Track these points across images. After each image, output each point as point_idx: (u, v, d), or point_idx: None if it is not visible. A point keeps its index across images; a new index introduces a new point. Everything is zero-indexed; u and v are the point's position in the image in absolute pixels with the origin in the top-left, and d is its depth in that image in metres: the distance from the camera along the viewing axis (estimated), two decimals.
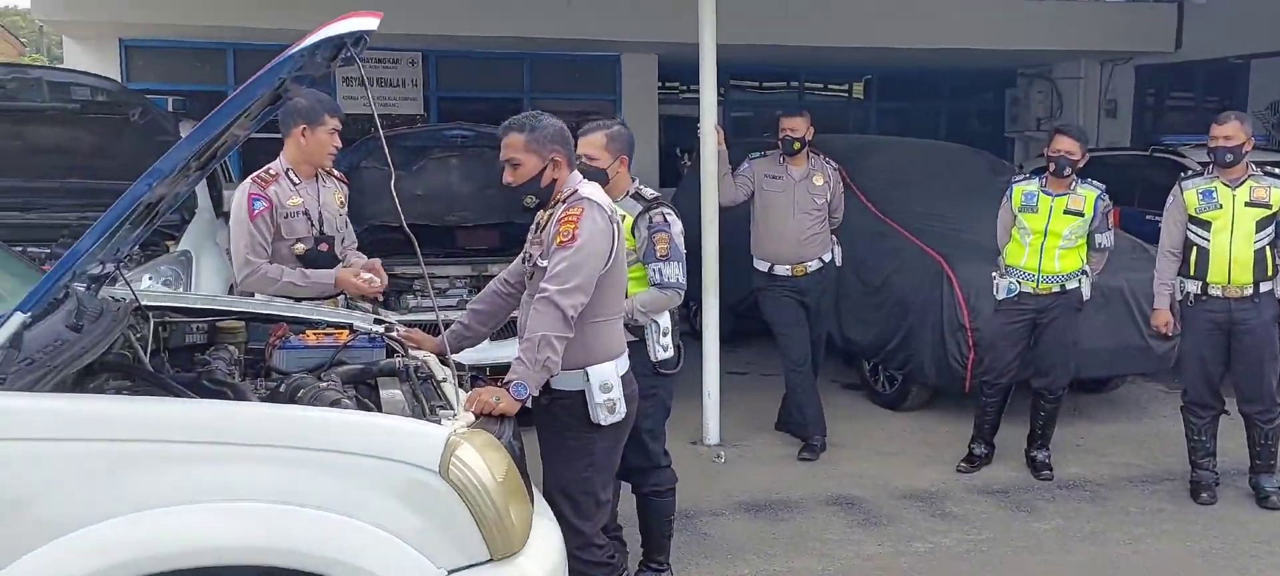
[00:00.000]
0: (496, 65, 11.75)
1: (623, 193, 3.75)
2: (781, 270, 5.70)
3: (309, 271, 4.02)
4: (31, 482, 2.13)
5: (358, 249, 4.41)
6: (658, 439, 3.92)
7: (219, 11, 9.36)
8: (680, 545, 4.25)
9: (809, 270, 5.71)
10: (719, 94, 5.94)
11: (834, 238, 5.84)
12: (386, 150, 3.14)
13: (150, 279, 5.28)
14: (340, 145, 4.12)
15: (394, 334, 3.48)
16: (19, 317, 2.20)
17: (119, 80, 8.83)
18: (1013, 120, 14.05)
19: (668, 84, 12.70)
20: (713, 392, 5.84)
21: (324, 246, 4.11)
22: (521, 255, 3.34)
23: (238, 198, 4.02)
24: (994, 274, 5.39)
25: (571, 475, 3.21)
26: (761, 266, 5.78)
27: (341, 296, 4.16)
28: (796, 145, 5.66)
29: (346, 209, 4.35)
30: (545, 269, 3.04)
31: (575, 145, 3.40)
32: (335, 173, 4.34)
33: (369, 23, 2.51)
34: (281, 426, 2.34)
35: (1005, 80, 14.15)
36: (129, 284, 3.37)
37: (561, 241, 3.01)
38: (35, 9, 9.76)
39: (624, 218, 3.52)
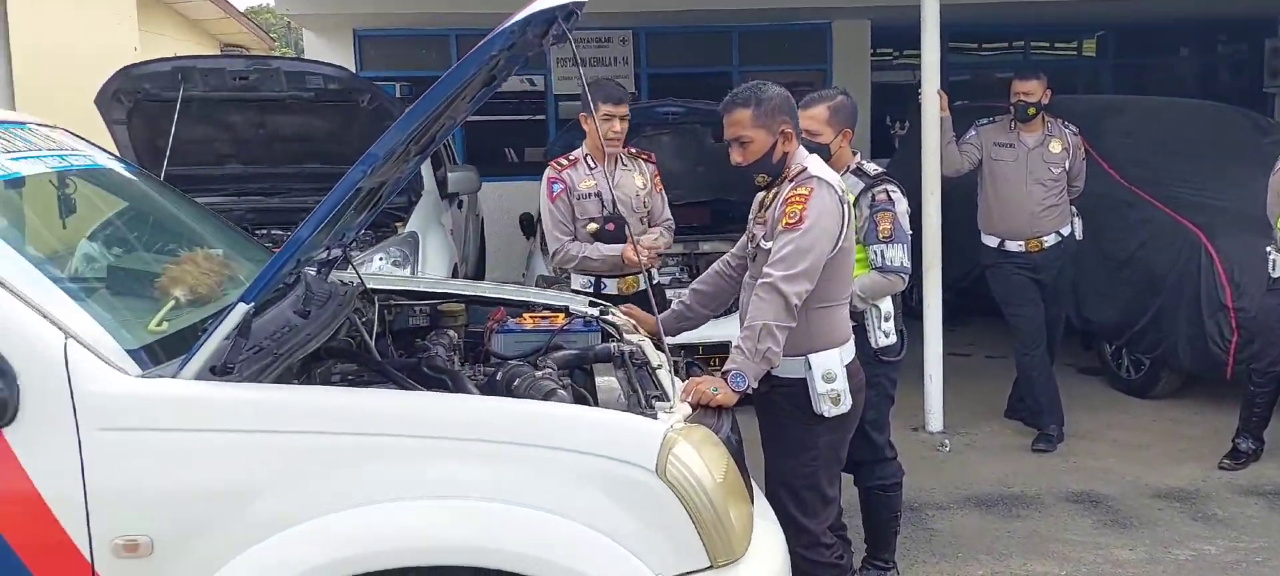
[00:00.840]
0: (704, 40, 11.62)
1: (844, 168, 3.53)
2: (1013, 245, 5.32)
3: (601, 245, 4.27)
4: (255, 474, 2.15)
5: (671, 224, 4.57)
6: (882, 430, 3.69)
7: None
8: (903, 540, 3.99)
9: (1045, 245, 5.29)
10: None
11: (1073, 209, 5.38)
12: (599, 131, 3.08)
13: (381, 260, 5.48)
14: (618, 130, 4.30)
15: (609, 316, 3.41)
16: (242, 308, 2.24)
17: (353, 69, 9.27)
18: (1272, 74, 12.61)
19: (879, 51, 12.19)
20: (935, 376, 5.52)
21: (610, 226, 4.28)
22: (746, 235, 3.18)
23: (543, 183, 4.37)
24: (1269, 249, 4.80)
25: (795, 469, 3.03)
26: (990, 242, 5.41)
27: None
28: (1032, 110, 5.25)
29: (650, 189, 4.48)
30: (768, 251, 2.87)
31: None
32: (642, 154, 4.56)
33: None
34: (496, 421, 2.28)
35: (1263, 28, 12.68)
36: (356, 268, 3.45)
37: (788, 223, 2.83)
38: (278, 5, 10.43)
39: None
